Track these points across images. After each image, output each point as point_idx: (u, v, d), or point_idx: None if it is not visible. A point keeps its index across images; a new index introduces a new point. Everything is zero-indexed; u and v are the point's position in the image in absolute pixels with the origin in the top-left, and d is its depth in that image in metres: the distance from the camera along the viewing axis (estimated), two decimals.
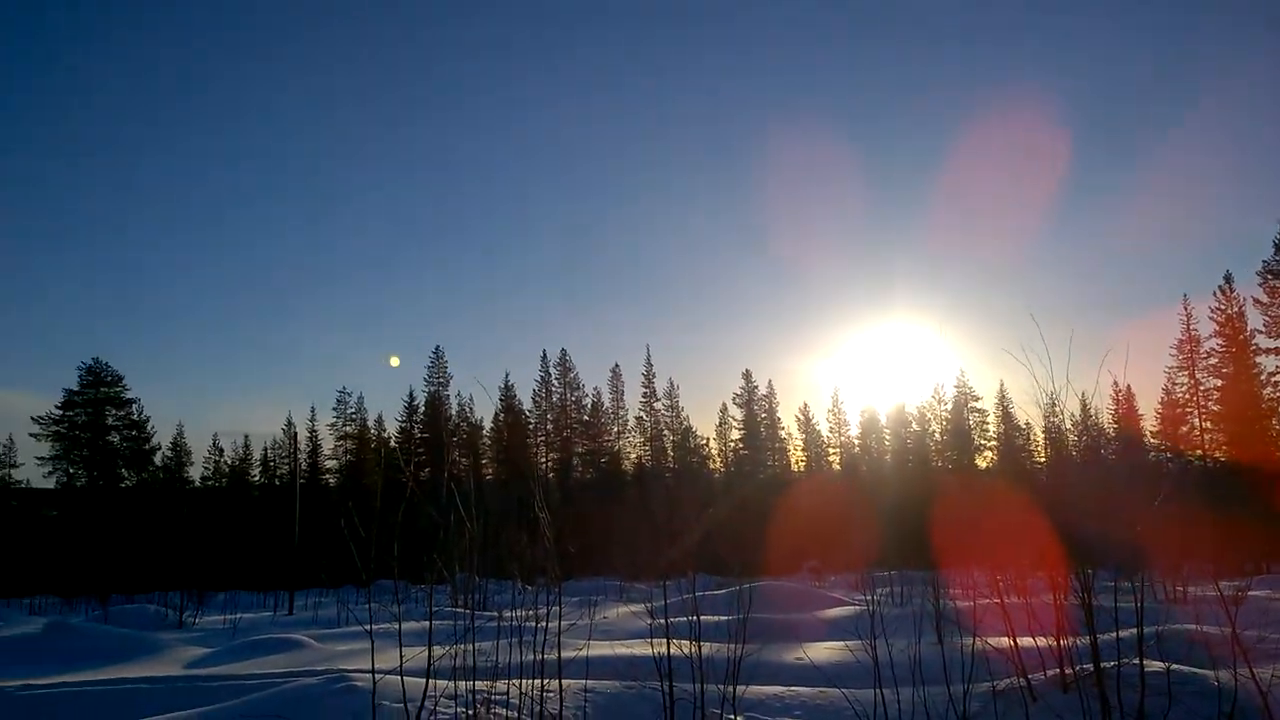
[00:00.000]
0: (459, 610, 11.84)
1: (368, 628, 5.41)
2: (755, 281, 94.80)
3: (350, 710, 6.48)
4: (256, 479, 60.62)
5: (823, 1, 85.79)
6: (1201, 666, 7.15)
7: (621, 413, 64.22)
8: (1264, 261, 47.77)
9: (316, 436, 61.52)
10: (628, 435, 64.19)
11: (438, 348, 63.04)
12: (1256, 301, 48.47)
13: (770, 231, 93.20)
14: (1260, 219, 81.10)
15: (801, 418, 65.39)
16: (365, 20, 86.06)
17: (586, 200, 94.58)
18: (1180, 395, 52.26)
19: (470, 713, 6.10)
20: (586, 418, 63.52)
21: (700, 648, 6.42)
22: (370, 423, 62.43)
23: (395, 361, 77.00)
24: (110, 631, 17.06)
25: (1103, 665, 6.76)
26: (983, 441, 62.46)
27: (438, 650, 5.59)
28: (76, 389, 53.12)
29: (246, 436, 63.30)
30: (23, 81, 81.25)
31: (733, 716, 6.55)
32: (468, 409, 62.59)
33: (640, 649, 8.25)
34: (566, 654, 6.40)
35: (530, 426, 63.21)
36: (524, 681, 6.46)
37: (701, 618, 6.55)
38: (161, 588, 30.32)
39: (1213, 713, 6.31)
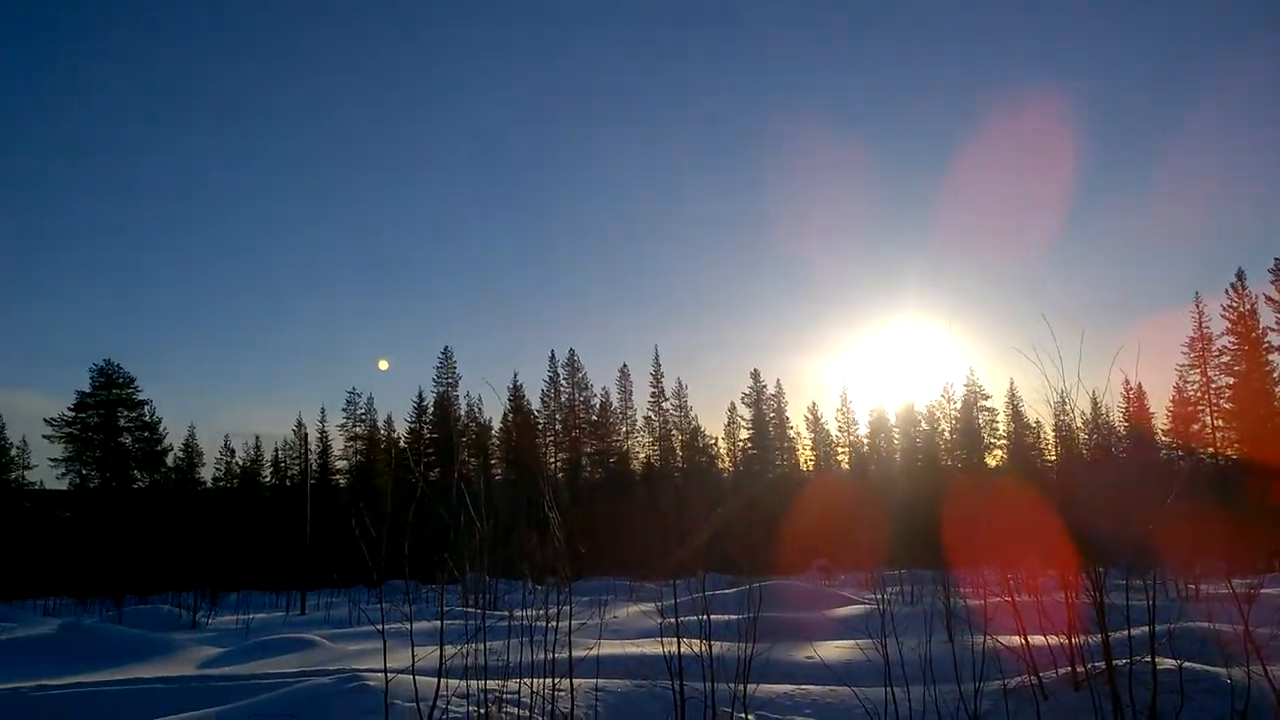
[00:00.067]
0: (470, 610, 11.91)
1: (379, 627, 5.44)
2: (764, 281, 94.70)
3: (363, 709, 6.52)
4: (268, 480, 60.92)
5: (829, 1, 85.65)
6: (1214, 664, 7.13)
7: (630, 413, 64.36)
8: (1276, 259, 47.62)
9: (327, 437, 61.86)
10: (636, 435, 64.33)
11: (446, 348, 63.28)
12: (1268, 299, 48.24)
13: (779, 231, 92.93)
14: (1272, 216, 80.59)
15: (810, 417, 65.43)
16: (369, 21, 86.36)
17: (594, 200, 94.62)
18: (1192, 393, 52.03)
19: (482, 712, 6.13)
20: (595, 418, 63.57)
21: (711, 646, 6.44)
22: (380, 423, 62.78)
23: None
24: (124, 632, 17.17)
25: (1115, 663, 6.74)
26: (992, 440, 62.31)
27: (449, 650, 5.62)
28: (89, 391, 53.53)
29: (257, 437, 63.57)
30: (30, 81, 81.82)
31: (744, 715, 6.57)
32: (476, 409, 62.82)
33: (651, 648, 8.28)
34: (577, 653, 6.43)
35: (539, 427, 63.31)
36: (535, 680, 6.48)
37: (711, 617, 6.57)
38: (175, 588, 30.55)
39: (1225, 710, 6.30)
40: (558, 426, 63.51)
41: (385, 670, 5.61)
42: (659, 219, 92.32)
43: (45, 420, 52.67)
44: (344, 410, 62.03)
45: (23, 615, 24.50)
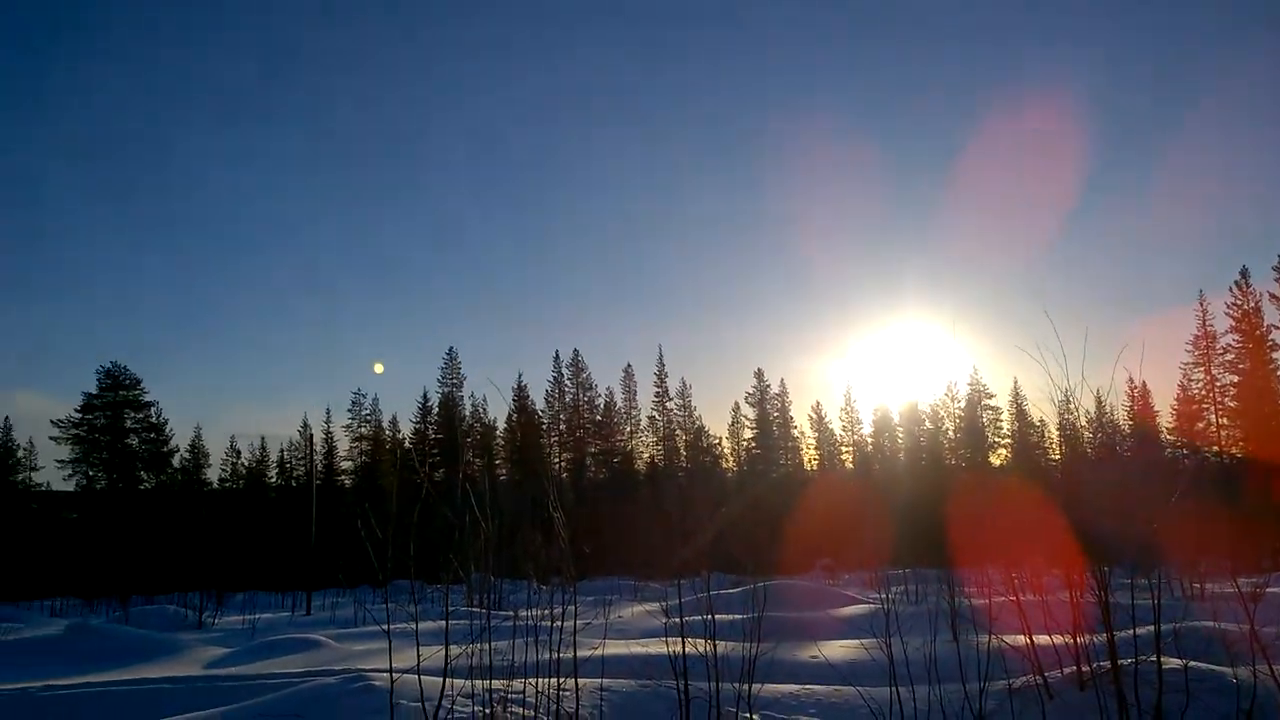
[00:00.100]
0: (475, 610, 11.92)
1: (385, 627, 5.46)
2: (767, 281, 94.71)
3: (368, 709, 6.54)
4: (273, 480, 61.02)
5: (830, 0, 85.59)
6: (1220, 664, 7.12)
7: (634, 413, 64.42)
8: None
9: (332, 438, 61.91)
10: (640, 435, 64.37)
11: (451, 349, 63.32)
12: (1273, 297, 48.14)
13: (782, 231, 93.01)
14: (1275, 215, 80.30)
15: (814, 416, 65.38)
16: (372, 21, 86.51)
17: (598, 200, 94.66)
18: (1196, 391, 51.91)
19: (487, 711, 6.14)
20: (599, 418, 63.60)
21: (715, 646, 6.44)
22: (385, 424, 62.80)
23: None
24: (131, 632, 17.23)
25: (1120, 663, 6.74)
26: (996, 439, 62.18)
27: (454, 650, 5.63)
28: (95, 392, 53.65)
29: (263, 438, 63.66)
30: (35, 82, 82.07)
31: (748, 715, 6.57)
32: (481, 410, 62.90)
33: (655, 648, 8.28)
34: (582, 653, 6.44)
35: (543, 427, 63.36)
36: (540, 680, 6.50)
37: (716, 616, 6.57)
38: (181, 589, 30.60)
39: (1231, 710, 6.29)
40: (562, 427, 63.57)
41: (391, 670, 5.63)
42: (662, 219, 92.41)
43: (52, 422, 52.94)
44: (349, 411, 62.24)
45: (30, 616, 24.59)
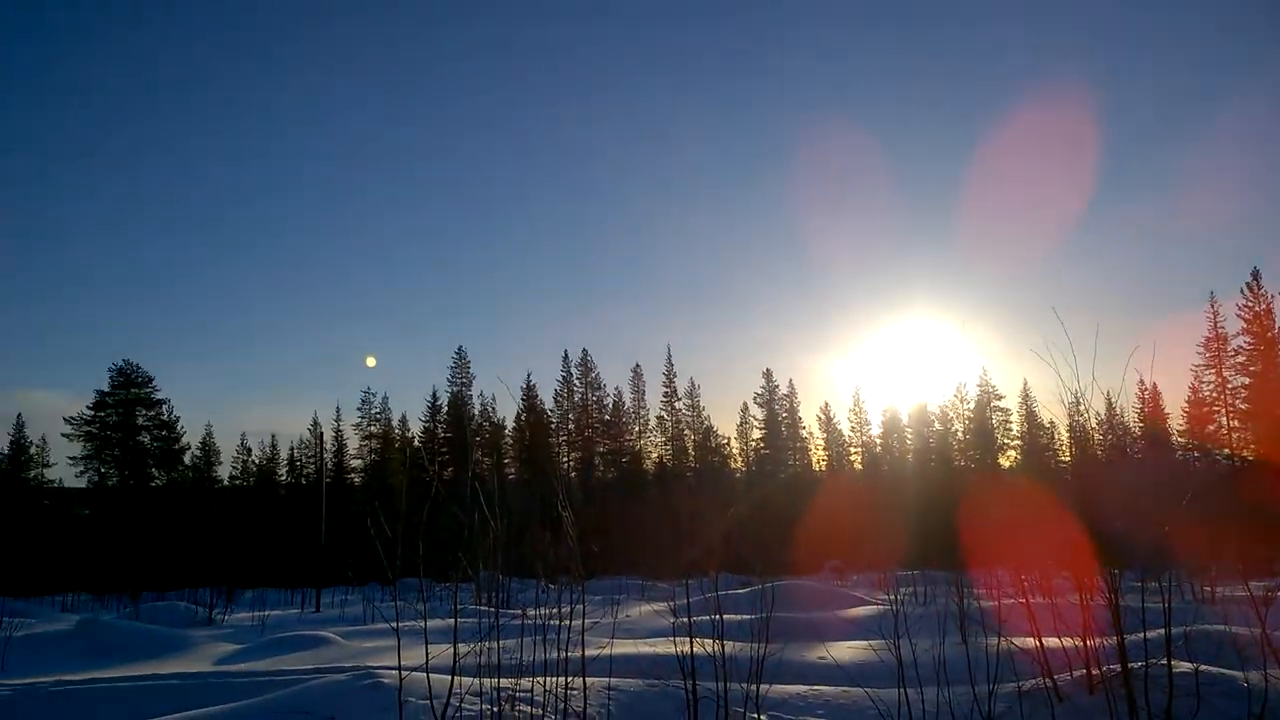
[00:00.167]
0: (483, 608, 11.93)
1: (394, 625, 5.48)
2: (776, 280, 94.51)
3: (377, 706, 6.56)
4: (284, 478, 61.27)
5: None
6: (1230, 667, 7.08)
7: (643, 412, 64.44)
8: None
9: (342, 436, 62.19)
10: (649, 435, 64.40)
11: (460, 349, 63.49)
12: None
13: (790, 230, 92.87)
14: None
15: (823, 417, 65.25)
16: (384, 20, 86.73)
17: (606, 201, 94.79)
18: (1208, 393, 51.57)
19: (495, 710, 6.16)
20: (608, 417, 63.63)
21: (723, 646, 6.44)
22: (394, 423, 63.07)
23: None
24: (141, 628, 17.31)
25: (1130, 666, 6.71)
26: (1006, 441, 61.90)
27: (463, 648, 5.65)
28: (108, 390, 53.99)
29: (274, 436, 64.03)
30: (51, 80, 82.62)
31: (756, 715, 6.57)
32: (490, 409, 63.03)
33: (663, 647, 8.29)
34: (590, 652, 6.45)
35: (552, 426, 63.42)
36: (548, 679, 6.51)
37: (724, 617, 6.57)
38: (191, 585, 30.79)
39: (1242, 714, 6.26)
40: (571, 426, 63.61)
41: (400, 668, 5.65)
42: (671, 218, 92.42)
43: (64, 419, 53.35)
44: (359, 409, 62.49)
45: (41, 611, 24.73)
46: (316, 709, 6.61)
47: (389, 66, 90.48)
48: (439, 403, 62.14)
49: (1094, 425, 8.08)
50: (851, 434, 65.25)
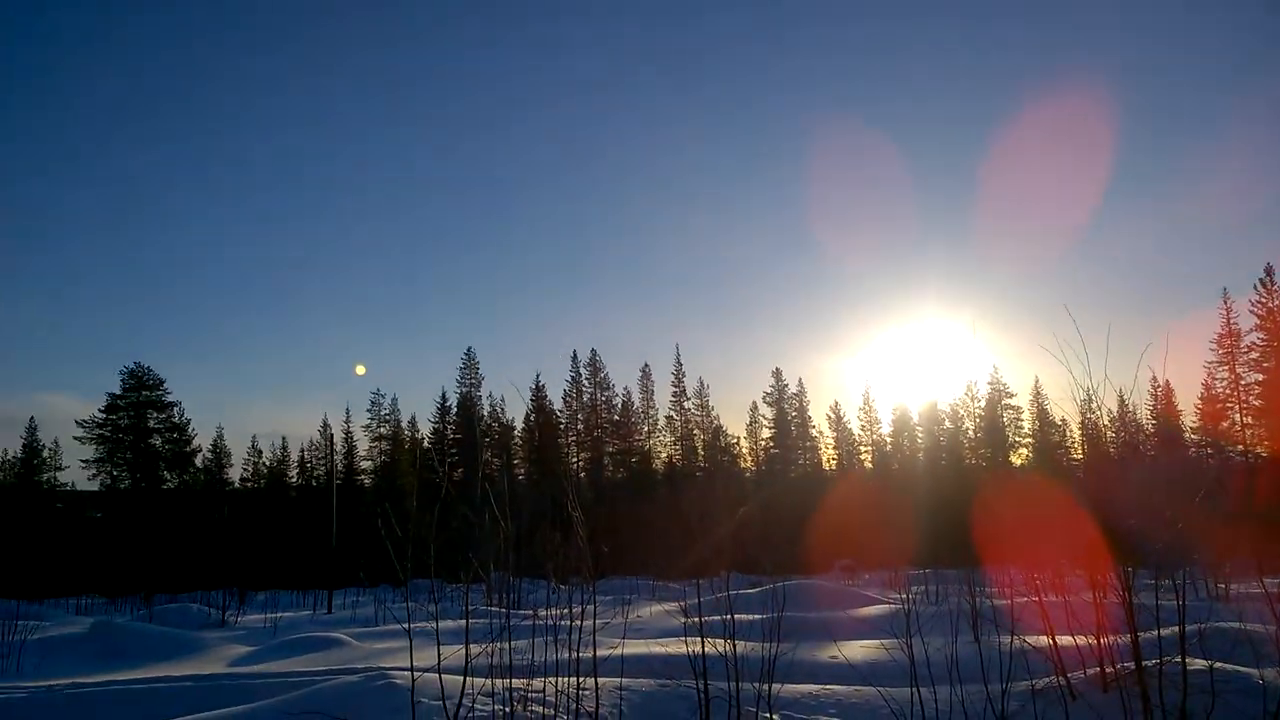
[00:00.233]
0: (494, 609, 11.97)
1: (406, 626, 5.49)
2: (785, 279, 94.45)
3: (390, 707, 6.57)
4: (294, 480, 61.48)
5: None
6: (1246, 665, 7.03)
7: (652, 412, 64.46)
8: None
9: (352, 438, 62.39)
10: (658, 435, 64.43)
11: (469, 349, 63.65)
12: None
13: (800, 229, 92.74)
14: None
15: (832, 416, 65.09)
16: (400, 18, 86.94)
17: (615, 199, 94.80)
18: (1221, 390, 51.28)
19: (507, 710, 6.16)
20: (617, 417, 63.66)
21: (735, 646, 6.43)
22: (404, 424, 63.24)
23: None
24: (155, 631, 17.39)
25: (1144, 664, 6.67)
26: (1017, 439, 61.68)
27: (474, 648, 5.66)
28: (119, 393, 54.27)
29: (284, 438, 64.24)
30: (51, 80, 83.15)
31: (768, 715, 6.56)
32: (499, 410, 63.15)
33: (674, 647, 8.28)
34: (601, 652, 6.45)
35: (561, 426, 63.49)
36: (560, 679, 6.51)
37: (735, 616, 6.56)
38: (203, 587, 30.93)
39: (1257, 712, 6.21)
40: (580, 426, 63.67)
41: (412, 669, 5.66)
42: (679, 217, 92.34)
43: (77, 422, 53.64)
44: (368, 411, 62.72)
45: (55, 614, 24.88)
46: (330, 710, 6.63)
47: (389, 67, 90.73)
48: (448, 404, 62.35)
49: (1106, 422, 8.04)
50: (861, 433, 65.18)
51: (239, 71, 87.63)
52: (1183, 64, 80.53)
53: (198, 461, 57.06)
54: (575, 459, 62.42)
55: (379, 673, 7.77)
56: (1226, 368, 50.90)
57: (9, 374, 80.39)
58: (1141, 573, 7.30)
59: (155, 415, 55.00)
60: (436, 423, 62.03)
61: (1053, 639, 7.59)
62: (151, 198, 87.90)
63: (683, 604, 7.04)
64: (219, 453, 59.46)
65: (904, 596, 8.18)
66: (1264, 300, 48.91)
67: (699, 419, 63.58)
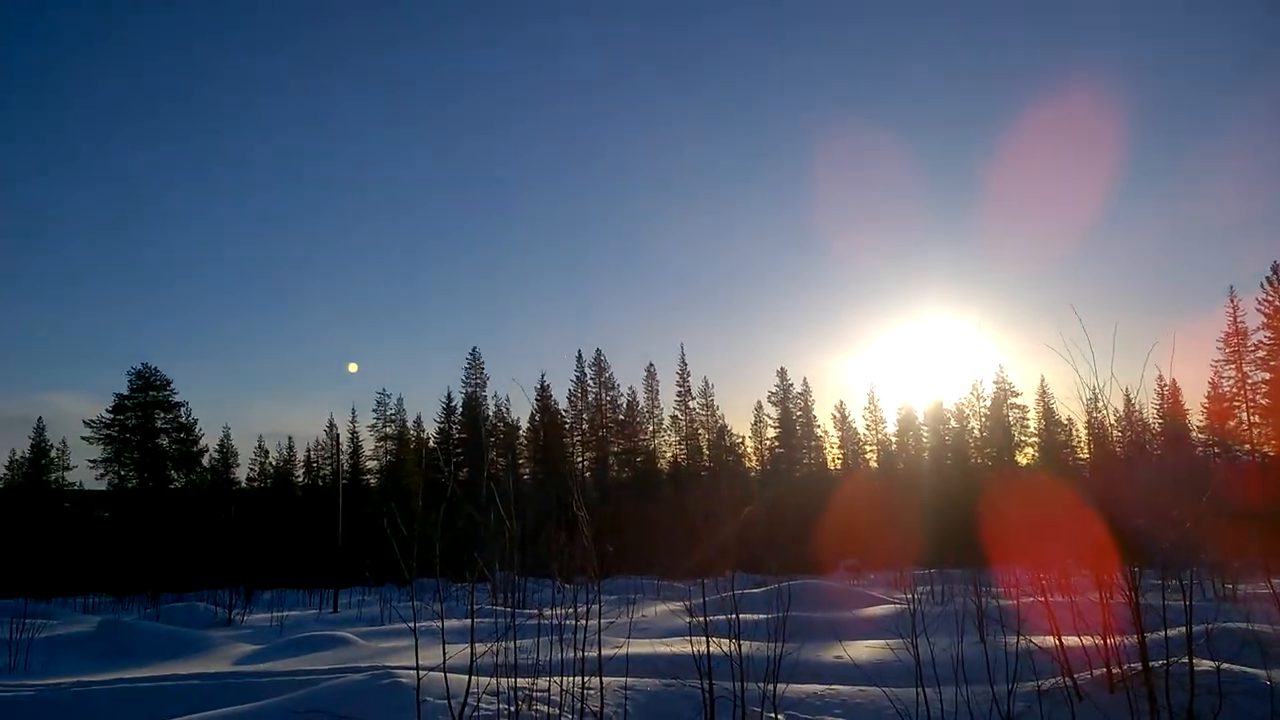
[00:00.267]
0: (499, 608, 11.97)
1: (411, 625, 5.50)
2: (790, 279, 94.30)
3: (395, 706, 6.58)
4: (300, 479, 61.70)
5: None
6: (1253, 665, 7.01)
7: (657, 412, 64.44)
8: None
9: (358, 437, 62.52)
10: (663, 434, 64.37)
11: (474, 349, 63.68)
12: None
13: (805, 228, 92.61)
14: None
15: (837, 415, 64.99)
16: (404, 19, 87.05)
17: (620, 199, 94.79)
18: (1228, 389, 51.09)
19: (512, 709, 6.17)
20: (622, 417, 63.65)
21: (740, 646, 6.43)
22: (409, 424, 63.34)
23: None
24: (161, 629, 17.46)
25: (1151, 664, 6.65)
26: (1023, 438, 61.45)
27: (480, 647, 5.67)
28: (127, 393, 54.43)
29: (290, 438, 64.55)
30: (52, 81, 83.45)
31: (773, 714, 6.56)
32: (505, 409, 63.20)
33: (679, 647, 8.28)
34: (606, 651, 6.45)
35: (566, 426, 63.52)
36: (565, 679, 6.52)
37: (740, 616, 6.56)
38: (210, 586, 31.01)
39: (1265, 712, 6.19)
40: (585, 426, 63.69)
41: (417, 667, 5.67)
42: (684, 217, 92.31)
43: (84, 422, 53.84)
44: (374, 411, 62.81)
45: (63, 613, 24.98)
46: (335, 709, 6.65)
47: (389, 67, 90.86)
48: (453, 404, 62.44)
49: (1113, 422, 8.01)
50: (866, 432, 65.02)
51: (239, 71, 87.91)
52: (1184, 64, 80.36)
53: (204, 461, 57.34)
54: (580, 458, 62.45)
55: (384, 671, 7.78)
56: (1233, 367, 50.72)
57: (15, 373, 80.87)
58: (1148, 573, 7.29)
59: (162, 415, 55.19)
60: (442, 422, 62.15)
61: (1059, 639, 7.57)
62: (152, 198, 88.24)
63: (687, 604, 7.04)
64: (226, 453, 59.79)
65: (909, 596, 8.16)
66: (1270, 299, 48.71)
67: (704, 418, 63.61)
